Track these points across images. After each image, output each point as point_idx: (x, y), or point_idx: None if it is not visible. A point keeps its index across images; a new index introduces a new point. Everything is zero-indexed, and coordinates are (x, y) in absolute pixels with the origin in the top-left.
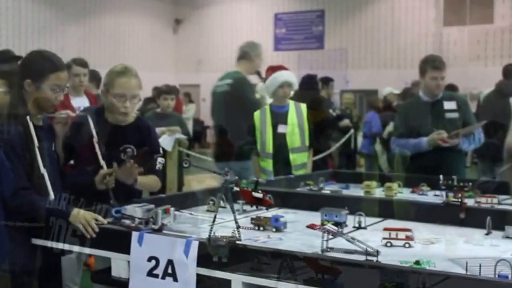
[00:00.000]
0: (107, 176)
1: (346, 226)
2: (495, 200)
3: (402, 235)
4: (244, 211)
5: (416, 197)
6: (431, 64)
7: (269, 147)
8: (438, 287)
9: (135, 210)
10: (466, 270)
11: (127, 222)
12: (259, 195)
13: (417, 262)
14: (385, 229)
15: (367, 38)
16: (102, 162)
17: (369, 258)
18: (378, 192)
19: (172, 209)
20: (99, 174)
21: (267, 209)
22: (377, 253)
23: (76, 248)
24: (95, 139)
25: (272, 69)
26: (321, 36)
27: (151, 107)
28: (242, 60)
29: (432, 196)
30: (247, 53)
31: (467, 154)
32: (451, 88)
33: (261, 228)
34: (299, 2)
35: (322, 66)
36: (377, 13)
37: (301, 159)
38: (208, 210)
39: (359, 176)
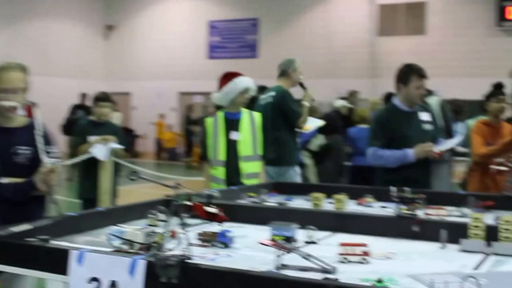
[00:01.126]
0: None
1: (296, 241)
2: (444, 212)
3: (358, 250)
4: (186, 225)
5: (363, 209)
6: (417, 72)
7: (221, 155)
8: None
9: (135, 234)
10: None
11: (124, 247)
12: (213, 210)
13: (379, 281)
14: (342, 244)
15: (301, 47)
16: None
17: (327, 276)
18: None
19: (179, 232)
20: (39, 172)
21: (219, 224)
22: (334, 270)
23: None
24: None
25: (229, 76)
26: (255, 44)
27: (80, 116)
28: (281, 77)
29: (379, 208)
30: (285, 71)
31: None
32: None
33: (208, 244)
34: (234, 10)
35: (257, 75)
36: (311, 22)
37: (252, 168)
38: (148, 225)
39: (301, 187)
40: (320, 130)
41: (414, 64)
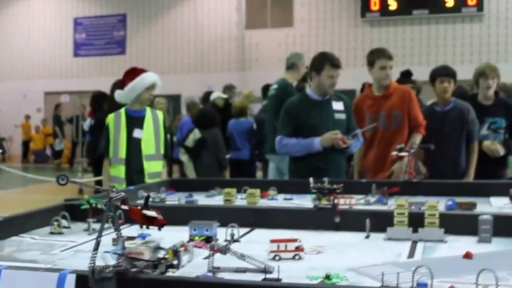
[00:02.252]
0: None
1: (217, 240)
2: (353, 201)
3: (291, 246)
4: (94, 230)
5: (270, 202)
6: (331, 61)
7: (122, 153)
8: None
9: (140, 250)
10: (383, 282)
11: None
12: (151, 213)
13: (328, 277)
14: (272, 241)
15: (171, 42)
16: None
17: (267, 276)
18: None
19: (190, 245)
20: None
21: (159, 229)
22: (272, 269)
23: None
24: None
25: (132, 73)
26: (123, 41)
27: None
28: (290, 69)
29: (282, 200)
30: (294, 64)
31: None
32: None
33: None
34: (100, 6)
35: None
36: (180, 17)
37: (155, 168)
38: (51, 233)
39: (198, 183)
40: (196, 125)
41: (328, 53)
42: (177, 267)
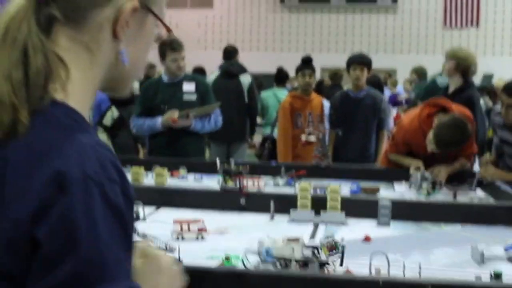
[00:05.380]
0: None
1: None
2: (261, 182)
3: (194, 227)
4: None
5: (179, 182)
6: (170, 46)
7: None
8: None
9: (287, 248)
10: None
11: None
12: None
13: (227, 258)
14: (176, 221)
15: None
16: None
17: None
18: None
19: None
20: None
21: None
22: (173, 249)
23: None
24: None
25: None
26: None
27: None
28: None
29: (191, 181)
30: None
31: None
32: (200, 71)
33: None
34: None
35: None
36: None
37: None
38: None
39: None
40: (113, 102)
41: (168, 39)
42: None
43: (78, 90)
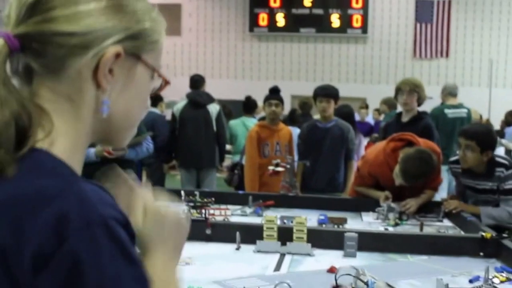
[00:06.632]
0: None
1: None
2: (228, 212)
3: None
4: None
5: None
6: None
7: None
8: None
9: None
10: None
11: None
12: None
13: None
14: None
15: None
16: None
17: None
18: None
19: None
20: None
21: None
22: None
23: None
24: None
25: None
26: None
27: None
28: None
29: None
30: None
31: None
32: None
33: None
34: None
35: None
36: None
37: None
38: None
39: None
40: None
41: None
42: None
43: (64, 142)
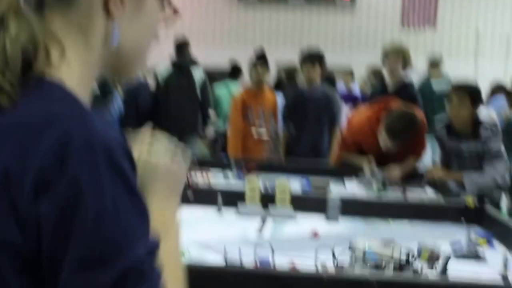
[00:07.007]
0: None
1: None
2: (211, 175)
3: None
4: None
5: None
6: None
7: None
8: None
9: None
10: (226, 259)
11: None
12: None
13: None
14: None
15: None
16: None
17: None
18: None
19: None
20: None
21: None
22: None
23: None
24: None
25: None
26: None
27: None
28: None
29: None
30: None
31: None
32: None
33: None
34: None
35: None
36: None
37: None
38: None
39: None
40: None
41: None
42: None
43: (76, 73)
